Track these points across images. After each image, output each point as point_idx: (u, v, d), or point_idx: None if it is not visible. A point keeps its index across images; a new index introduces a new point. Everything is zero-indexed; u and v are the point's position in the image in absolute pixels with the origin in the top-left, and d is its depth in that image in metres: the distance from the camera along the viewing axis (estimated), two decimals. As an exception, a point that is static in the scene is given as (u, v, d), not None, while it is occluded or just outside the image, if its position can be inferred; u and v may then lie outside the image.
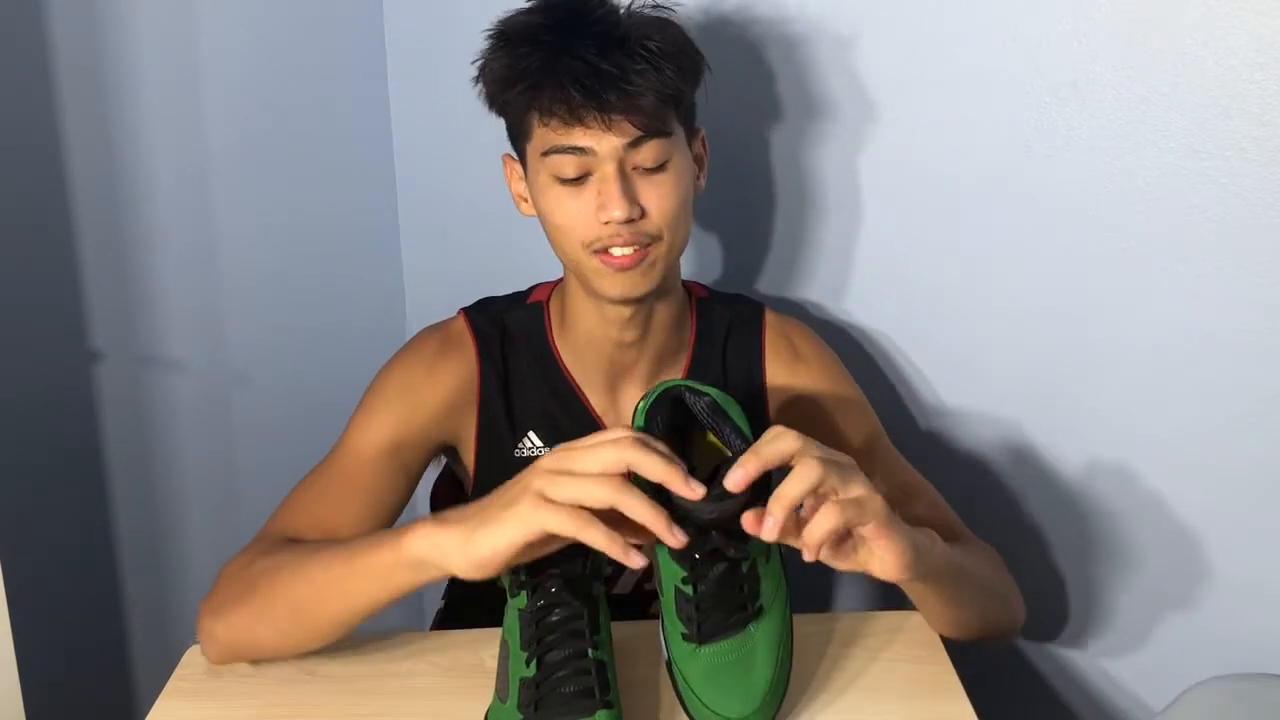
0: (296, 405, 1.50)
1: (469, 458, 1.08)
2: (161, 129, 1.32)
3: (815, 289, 1.31)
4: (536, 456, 0.92)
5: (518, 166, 1.03)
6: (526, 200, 1.03)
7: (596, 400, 1.08)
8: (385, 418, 1.02)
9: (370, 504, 1.00)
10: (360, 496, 1.00)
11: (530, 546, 0.78)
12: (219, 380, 1.43)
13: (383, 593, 0.84)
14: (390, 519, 1.02)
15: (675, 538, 0.76)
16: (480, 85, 1.00)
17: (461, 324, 1.09)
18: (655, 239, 0.97)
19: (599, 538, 0.75)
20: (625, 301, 1.00)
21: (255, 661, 0.95)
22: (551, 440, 1.06)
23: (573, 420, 1.07)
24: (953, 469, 1.28)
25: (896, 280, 1.26)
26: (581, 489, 0.75)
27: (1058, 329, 1.17)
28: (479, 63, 0.99)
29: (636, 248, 0.96)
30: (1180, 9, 1.03)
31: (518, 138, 1.01)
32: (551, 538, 0.77)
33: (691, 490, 0.75)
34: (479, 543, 0.77)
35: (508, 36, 0.96)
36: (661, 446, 0.78)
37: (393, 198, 1.55)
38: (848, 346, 1.31)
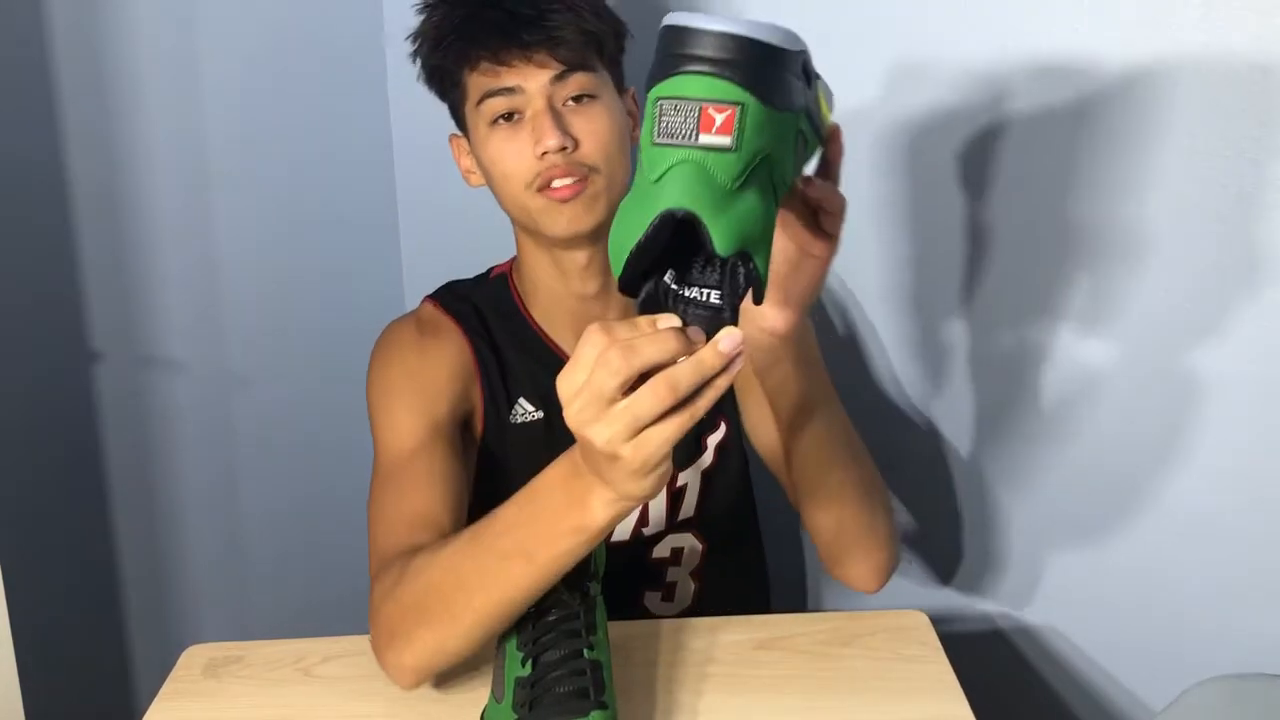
0: (296, 406, 1.50)
1: (478, 427, 1.10)
2: (161, 129, 1.32)
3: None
4: (530, 421, 1.07)
5: (463, 141, 1.08)
6: (475, 172, 1.07)
7: None
8: (404, 408, 1.03)
9: (446, 483, 0.99)
10: (433, 482, 0.98)
11: None
12: (219, 380, 1.43)
13: (568, 558, 0.77)
14: (467, 491, 1.01)
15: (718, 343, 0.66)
16: (418, 62, 1.05)
17: (432, 308, 1.12)
18: (593, 170, 0.99)
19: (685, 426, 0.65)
20: (575, 239, 1.02)
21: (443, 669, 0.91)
22: (541, 403, 1.08)
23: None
24: (949, 470, 1.28)
25: (893, 279, 1.26)
26: (664, 437, 0.65)
27: (1057, 328, 1.17)
28: (413, 37, 1.04)
29: (575, 180, 0.98)
30: (1180, 9, 1.03)
31: (456, 105, 1.05)
32: None
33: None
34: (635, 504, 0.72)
35: (434, 3, 1.02)
36: (635, 335, 0.65)
37: (393, 198, 1.55)
38: (843, 344, 1.31)
